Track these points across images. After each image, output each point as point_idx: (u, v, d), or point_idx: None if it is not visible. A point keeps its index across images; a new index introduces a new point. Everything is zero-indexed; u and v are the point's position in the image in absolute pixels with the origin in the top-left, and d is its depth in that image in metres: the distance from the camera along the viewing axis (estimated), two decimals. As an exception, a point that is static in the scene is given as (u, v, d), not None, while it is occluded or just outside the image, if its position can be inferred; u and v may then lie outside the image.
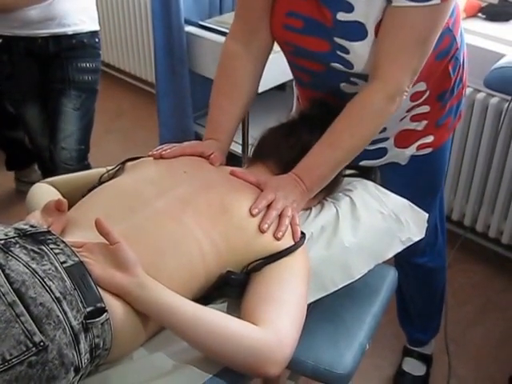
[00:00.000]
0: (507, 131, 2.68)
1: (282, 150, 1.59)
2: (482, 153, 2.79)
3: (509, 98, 2.38)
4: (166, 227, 1.32)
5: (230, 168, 1.56)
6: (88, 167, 2.78)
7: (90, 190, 1.48)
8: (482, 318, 2.75)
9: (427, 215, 1.64)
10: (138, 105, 4.51)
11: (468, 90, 2.59)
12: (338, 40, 1.53)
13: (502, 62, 2.19)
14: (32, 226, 1.18)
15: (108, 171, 1.58)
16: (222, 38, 3.03)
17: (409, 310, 2.37)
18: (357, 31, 1.49)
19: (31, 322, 1.01)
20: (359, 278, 1.48)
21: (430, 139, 1.81)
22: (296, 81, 1.86)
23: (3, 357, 0.98)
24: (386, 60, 1.47)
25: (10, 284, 1.03)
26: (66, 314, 1.05)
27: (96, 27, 2.69)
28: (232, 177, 1.51)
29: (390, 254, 1.56)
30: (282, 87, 3.61)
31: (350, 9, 1.48)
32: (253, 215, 1.38)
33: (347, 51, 1.53)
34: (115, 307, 1.15)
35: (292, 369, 1.49)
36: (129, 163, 1.58)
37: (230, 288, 1.34)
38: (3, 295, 1.02)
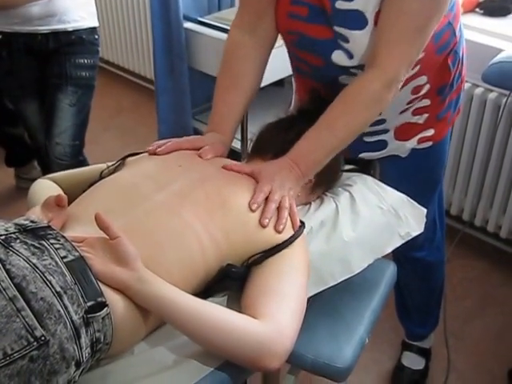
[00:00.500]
0: (505, 126, 2.68)
1: (281, 144, 1.58)
2: (480, 147, 2.80)
3: (507, 92, 2.39)
4: (165, 221, 1.33)
5: (224, 160, 1.56)
6: (83, 163, 2.79)
7: (90, 186, 1.49)
8: (481, 312, 2.76)
9: (425, 210, 1.64)
10: (137, 102, 4.51)
11: (466, 85, 2.59)
12: (337, 29, 1.53)
13: (499, 57, 2.19)
14: (32, 222, 1.19)
15: (108, 167, 1.58)
16: (220, 34, 3.04)
17: (407, 305, 2.38)
18: (356, 20, 1.49)
19: (32, 316, 1.02)
20: (358, 273, 1.48)
21: (430, 132, 1.81)
22: (295, 71, 1.86)
23: (4, 351, 0.98)
24: (384, 48, 1.47)
25: (11, 279, 1.04)
26: (66, 308, 1.05)
27: (95, 23, 2.69)
28: (228, 172, 1.51)
29: (389, 249, 1.56)
30: (280, 83, 3.61)
31: None
32: (253, 211, 1.39)
33: (347, 40, 1.53)
34: (116, 302, 1.16)
35: (292, 363, 1.50)
36: (129, 159, 1.59)
37: (231, 281, 1.34)
38: (4, 290, 1.02)
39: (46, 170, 2.80)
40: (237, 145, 3.21)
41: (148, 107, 4.18)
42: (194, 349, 1.22)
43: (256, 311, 1.23)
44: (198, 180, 1.44)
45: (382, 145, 1.83)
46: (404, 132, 1.80)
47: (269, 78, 2.88)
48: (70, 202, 1.35)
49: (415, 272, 2.23)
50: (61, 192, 1.49)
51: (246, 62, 1.67)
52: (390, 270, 1.68)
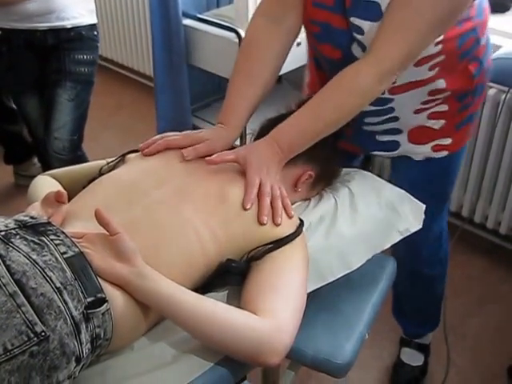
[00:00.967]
0: (504, 122, 2.68)
1: None
2: (479, 143, 2.80)
3: (506, 89, 2.39)
4: (164, 217, 1.33)
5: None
6: (81, 157, 2.79)
7: (90, 182, 1.49)
8: (481, 308, 2.76)
9: (424, 206, 1.63)
10: (136, 99, 4.51)
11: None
12: (353, 20, 1.51)
13: (498, 54, 2.20)
14: (32, 218, 1.19)
15: (108, 163, 1.59)
16: (219, 31, 3.04)
17: (403, 310, 2.36)
18: (372, 10, 1.47)
19: (32, 312, 1.02)
20: (357, 268, 1.49)
21: (447, 141, 1.78)
22: (313, 65, 1.84)
23: (5, 347, 0.98)
24: (382, 36, 1.45)
25: (11, 275, 1.04)
26: (66, 304, 1.06)
27: (94, 20, 2.69)
28: (224, 164, 1.49)
29: (388, 245, 1.56)
30: (278, 80, 3.62)
31: None
32: (246, 209, 1.38)
33: (362, 31, 1.51)
34: (116, 297, 1.16)
35: (291, 358, 1.50)
36: (129, 155, 1.59)
37: (231, 276, 1.35)
38: (4, 286, 1.02)
39: (46, 165, 2.80)
40: (236, 141, 3.21)
41: (147, 104, 4.17)
42: (193, 344, 1.23)
43: (256, 307, 1.23)
44: (197, 176, 1.44)
45: (395, 145, 1.81)
46: (418, 135, 1.77)
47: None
48: (69, 199, 1.35)
49: (414, 285, 2.22)
50: (61, 188, 1.50)
51: (267, 52, 1.63)
52: (390, 265, 1.68)
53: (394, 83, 1.58)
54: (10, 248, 1.08)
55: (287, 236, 1.38)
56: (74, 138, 2.73)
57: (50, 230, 1.16)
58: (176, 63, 3.26)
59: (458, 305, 2.72)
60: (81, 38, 2.63)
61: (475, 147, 2.82)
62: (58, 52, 2.63)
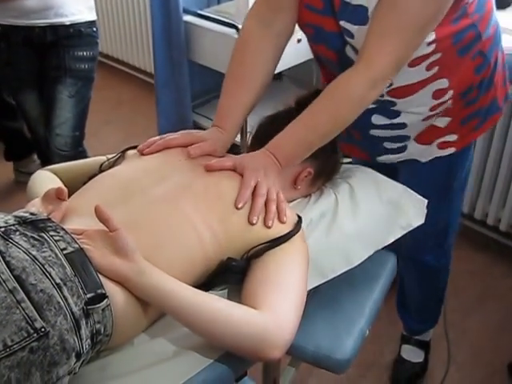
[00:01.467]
0: (505, 119, 2.68)
1: None
2: (479, 140, 2.79)
3: (507, 85, 2.38)
4: (164, 214, 1.33)
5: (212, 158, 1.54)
6: (83, 153, 2.80)
7: (90, 178, 1.49)
8: (481, 305, 2.76)
9: (426, 201, 1.63)
10: (137, 95, 4.51)
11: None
12: (342, 23, 1.51)
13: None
14: (32, 214, 1.19)
15: (108, 160, 1.59)
16: (220, 27, 3.04)
17: (407, 303, 2.37)
18: (359, 14, 1.47)
19: (32, 308, 1.02)
20: (358, 265, 1.48)
21: (453, 138, 1.76)
22: (318, 62, 1.83)
23: (4, 343, 0.98)
24: (370, 42, 1.44)
25: (11, 271, 1.04)
26: (66, 300, 1.06)
27: (93, 17, 2.69)
28: None
29: (390, 240, 1.55)
30: (278, 77, 3.62)
31: None
32: (238, 208, 1.38)
33: (352, 35, 1.51)
34: (116, 293, 1.16)
35: (292, 354, 1.50)
36: (129, 152, 1.59)
37: (231, 274, 1.35)
38: (4, 282, 1.02)
39: (46, 162, 2.80)
40: (237, 138, 3.21)
41: (148, 101, 4.17)
42: (193, 340, 1.23)
43: (256, 302, 1.23)
44: (196, 173, 1.44)
45: (402, 149, 1.80)
46: (424, 135, 1.76)
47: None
48: (69, 194, 1.35)
49: (419, 275, 2.23)
50: (61, 184, 1.50)
51: (259, 56, 1.63)
52: (391, 261, 1.68)
53: (390, 85, 1.58)
54: (10, 244, 1.08)
55: (285, 234, 1.37)
56: (75, 134, 2.74)
57: (50, 226, 1.16)
58: (176, 59, 3.26)
59: (459, 301, 2.72)
60: (80, 34, 2.63)
61: (475, 144, 2.82)
62: (57, 49, 2.62)
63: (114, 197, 1.36)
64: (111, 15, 4.50)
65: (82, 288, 1.09)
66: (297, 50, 2.75)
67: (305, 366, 1.64)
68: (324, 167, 1.61)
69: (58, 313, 1.04)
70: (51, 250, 1.10)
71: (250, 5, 1.68)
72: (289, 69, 3.01)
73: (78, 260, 1.12)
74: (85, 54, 2.65)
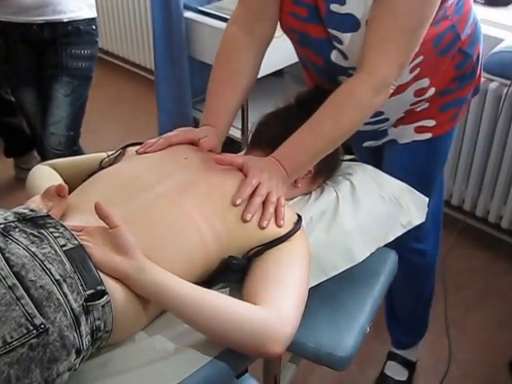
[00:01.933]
0: (506, 116, 2.68)
1: (279, 136, 1.58)
2: (481, 137, 2.79)
3: (508, 82, 2.38)
4: (165, 212, 1.32)
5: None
6: (77, 152, 2.77)
7: (90, 175, 1.48)
8: (482, 302, 2.76)
9: (427, 199, 1.64)
10: (137, 92, 4.51)
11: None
12: (330, 30, 1.53)
13: (500, 47, 2.19)
14: (31, 211, 1.19)
15: (109, 156, 1.58)
16: (221, 24, 3.03)
17: (395, 311, 2.34)
18: (349, 23, 1.49)
19: (31, 304, 1.02)
20: (361, 262, 1.48)
21: (431, 123, 1.79)
22: (302, 65, 1.85)
23: (4, 339, 0.98)
24: (370, 50, 1.46)
25: (10, 267, 1.04)
26: (66, 296, 1.05)
27: (93, 14, 2.67)
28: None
29: (391, 238, 1.55)
30: (280, 73, 3.61)
31: (342, 2, 1.47)
32: (235, 205, 1.37)
33: (341, 41, 1.53)
34: (116, 290, 1.16)
35: (293, 351, 1.50)
36: (130, 148, 1.58)
37: (232, 273, 1.34)
38: (3, 278, 1.02)
39: (44, 158, 2.80)
40: (237, 134, 3.21)
41: (148, 97, 4.17)
42: (194, 337, 1.22)
43: (257, 299, 1.23)
44: (199, 172, 1.44)
45: (383, 133, 1.84)
46: (402, 119, 1.79)
47: (269, 68, 2.91)
48: (69, 191, 1.34)
49: (404, 274, 2.17)
50: (61, 180, 1.49)
51: (241, 60, 1.66)
52: (391, 258, 1.68)
53: None
54: (10, 241, 1.08)
55: (284, 234, 1.37)
56: (70, 134, 2.72)
57: (50, 223, 1.15)
58: (177, 56, 3.25)
59: (460, 299, 2.73)
60: (78, 32, 2.61)
61: (477, 141, 2.82)
62: (55, 46, 2.61)
63: (115, 194, 1.36)
64: (111, 11, 4.49)
65: (81, 284, 1.09)
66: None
67: (305, 363, 1.64)
68: (324, 165, 1.61)
69: (58, 309, 1.04)
70: (51, 247, 1.10)
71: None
72: (290, 66, 3.01)
73: (78, 256, 1.12)
74: (83, 52, 2.64)
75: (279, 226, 1.38)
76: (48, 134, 2.68)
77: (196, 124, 3.33)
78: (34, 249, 1.08)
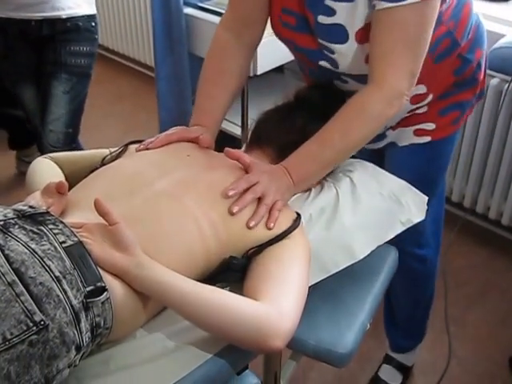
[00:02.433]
0: (507, 112, 2.67)
1: (279, 134, 1.58)
2: (481, 133, 2.79)
3: (509, 78, 2.38)
4: (165, 209, 1.32)
5: (214, 153, 1.57)
6: (76, 150, 2.75)
7: (91, 172, 1.48)
8: (483, 299, 2.76)
9: (427, 197, 1.63)
10: (137, 88, 4.51)
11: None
12: (321, 41, 1.53)
13: (501, 43, 2.19)
14: (31, 207, 1.19)
15: (111, 153, 1.58)
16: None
17: (394, 315, 2.33)
18: (337, 34, 1.49)
19: (31, 301, 1.02)
20: (361, 259, 1.48)
21: (430, 127, 1.77)
22: (299, 67, 1.85)
23: (4, 336, 0.98)
24: (380, 62, 1.45)
25: (10, 264, 1.04)
26: (65, 293, 1.05)
27: (92, 11, 2.65)
28: (231, 160, 1.49)
29: (391, 235, 1.55)
30: (280, 70, 3.61)
31: (331, 13, 1.47)
32: (227, 197, 1.36)
33: (332, 51, 1.53)
34: (115, 286, 1.16)
35: (293, 348, 1.49)
36: (132, 146, 1.58)
37: (232, 273, 1.34)
38: (3, 275, 1.02)
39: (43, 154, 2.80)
40: (237, 131, 3.21)
41: (148, 94, 4.18)
42: (195, 334, 1.22)
43: (257, 296, 1.22)
44: (200, 168, 1.44)
45: (382, 136, 1.82)
46: (400, 121, 1.78)
47: (269, 64, 2.91)
48: (69, 187, 1.34)
49: (405, 278, 2.15)
50: (61, 175, 1.50)
51: (230, 61, 1.68)
52: (392, 255, 1.68)
53: None
54: (9, 237, 1.08)
55: (283, 232, 1.37)
56: (68, 131, 2.71)
57: (49, 220, 1.15)
58: (177, 52, 3.25)
59: (460, 295, 2.73)
60: (77, 29, 2.59)
61: (477, 137, 2.82)
62: (53, 43, 2.59)
63: (115, 190, 1.36)
64: (111, 8, 4.49)
65: (81, 281, 1.09)
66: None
67: (305, 360, 1.64)
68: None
69: (58, 306, 1.04)
70: (50, 243, 1.10)
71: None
72: (290, 62, 3.01)
73: (78, 253, 1.12)
74: (82, 49, 2.62)
75: (269, 229, 1.38)
76: (47, 132, 2.68)
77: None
78: (33, 245, 1.08)
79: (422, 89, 1.66)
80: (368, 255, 1.49)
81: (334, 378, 2.41)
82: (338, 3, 1.46)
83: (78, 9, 2.58)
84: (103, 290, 1.11)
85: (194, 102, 3.35)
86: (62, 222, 1.16)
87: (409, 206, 1.58)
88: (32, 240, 1.09)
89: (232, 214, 1.35)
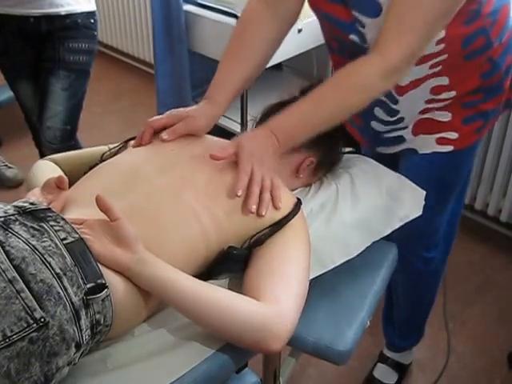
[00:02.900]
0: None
1: None
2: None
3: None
4: (165, 204, 1.32)
5: (205, 140, 1.56)
6: (74, 147, 2.74)
7: (91, 168, 1.48)
8: (481, 295, 2.77)
9: (425, 192, 1.62)
10: (137, 85, 4.51)
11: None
12: (355, 13, 1.50)
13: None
14: (32, 204, 1.19)
15: (110, 150, 1.58)
16: (220, 17, 3.02)
17: (393, 314, 2.31)
18: (371, 7, 1.45)
19: (31, 298, 1.02)
20: (357, 255, 1.48)
21: (453, 136, 1.72)
22: (327, 48, 1.80)
23: (4, 333, 0.98)
24: (387, 34, 1.42)
25: (10, 261, 1.04)
26: (66, 290, 1.05)
27: (92, 8, 2.64)
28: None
29: (388, 231, 1.55)
30: (279, 67, 3.61)
31: None
32: (238, 196, 1.36)
33: (363, 25, 1.50)
34: (116, 283, 1.16)
35: (292, 345, 1.49)
36: (131, 142, 1.58)
37: (232, 263, 1.34)
38: (3, 272, 1.02)
39: (41, 152, 2.80)
40: (236, 128, 3.21)
41: (147, 91, 4.17)
42: (194, 331, 1.22)
43: (258, 293, 1.22)
44: (199, 163, 1.43)
45: (399, 139, 1.78)
46: (423, 127, 1.73)
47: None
48: (70, 184, 1.34)
49: (407, 280, 2.16)
50: (61, 173, 1.49)
51: (257, 36, 1.62)
52: (392, 252, 1.68)
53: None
54: (10, 234, 1.08)
55: (284, 217, 1.37)
56: (66, 128, 2.71)
57: (50, 216, 1.15)
58: (177, 49, 3.24)
59: (459, 292, 2.73)
60: (76, 25, 2.58)
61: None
62: (52, 40, 2.58)
63: (115, 186, 1.36)
64: (111, 5, 4.48)
65: (81, 278, 1.09)
66: (297, 39, 2.75)
67: (304, 356, 1.64)
68: (326, 157, 1.61)
69: (58, 303, 1.04)
70: (51, 240, 1.10)
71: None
72: (289, 59, 3.00)
73: (78, 250, 1.12)
74: (81, 46, 2.61)
75: (277, 209, 1.38)
76: (44, 128, 2.67)
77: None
78: (34, 242, 1.08)
79: (445, 80, 1.62)
80: (368, 251, 1.49)
81: (333, 374, 2.41)
82: None
83: (76, 5, 2.57)
84: (103, 287, 1.11)
85: (193, 99, 3.36)
86: (63, 219, 1.16)
87: (406, 201, 1.59)
88: (33, 237, 1.09)
89: (252, 212, 1.35)
